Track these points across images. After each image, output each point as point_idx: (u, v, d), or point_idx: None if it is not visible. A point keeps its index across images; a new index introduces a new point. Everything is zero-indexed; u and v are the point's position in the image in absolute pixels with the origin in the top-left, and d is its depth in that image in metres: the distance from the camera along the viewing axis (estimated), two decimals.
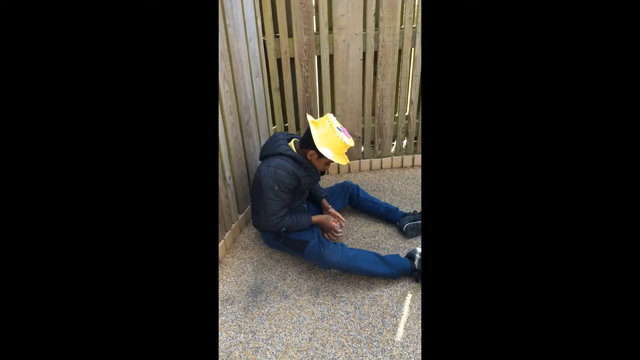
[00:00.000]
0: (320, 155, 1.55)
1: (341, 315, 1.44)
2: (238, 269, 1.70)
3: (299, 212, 1.65)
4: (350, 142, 1.54)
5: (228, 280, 1.63)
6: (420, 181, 2.36)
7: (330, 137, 1.51)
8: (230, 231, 1.81)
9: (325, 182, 2.37)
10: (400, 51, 2.25)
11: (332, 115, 1.57)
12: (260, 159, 1.65)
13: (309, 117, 1.59)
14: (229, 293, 1.56)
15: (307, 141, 1.57)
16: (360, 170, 2.53)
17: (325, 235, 1.73)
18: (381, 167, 2.55)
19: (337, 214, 1.81)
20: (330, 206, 1.85)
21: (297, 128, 2.37)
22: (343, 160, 1.58)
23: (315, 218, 1.68)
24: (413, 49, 2.25)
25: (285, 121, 2.36)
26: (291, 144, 1.64)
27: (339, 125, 1.56)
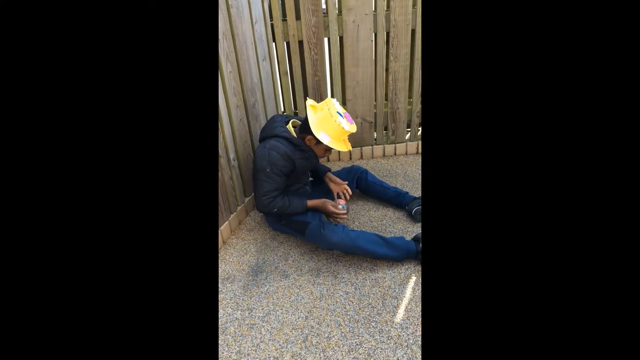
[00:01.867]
0: (319, 142, 1.51)
1: (340, 295, 1.40)
2: (241, 249, 1.70)
3: (294, 195, 1.62)
4: (351, 128, 1.50)
5: (230, 260, 1.63)
6: None
7: (328, 122, 1.47)
8: (235, 213, 1.82)
9: (334, 167, 2.33)
10: (413, 31, 2.17)
11: (334, 99, 1.52)
12: (259, 141, 1.64)
13: (309, 101, 1.56)
14: (230, 272, 1.56)
15: (305, 126, 1.54)
16: (373, 157, 2.47)
17: (329, 219, 1.69)
18: (395, 154, 2.47)
19: (341, 182, 1.75)
20: (335, 177, 1.80)
21: None
22: (343, 147, 1.53)
23: (311, 202, 1.63)
24: None
25: (295, 106, 2.34)
26: (289, 126, 1.61)
27: (340, 109, 1.51)
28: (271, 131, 1.56)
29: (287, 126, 1.61)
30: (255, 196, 1.58)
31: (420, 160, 2.36)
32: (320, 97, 2.27)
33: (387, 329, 1.24)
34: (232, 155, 1.73)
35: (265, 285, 1.48)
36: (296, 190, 1.70)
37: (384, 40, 2.15)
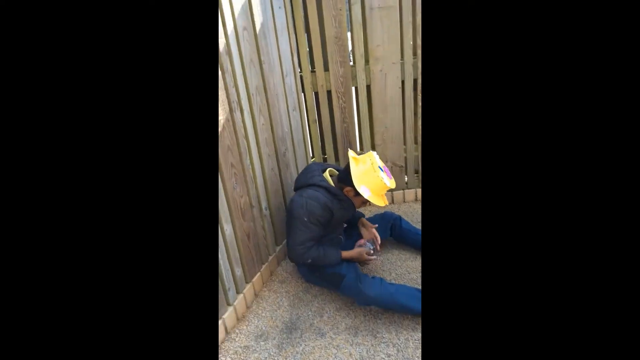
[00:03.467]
0: (357, 193, 1.49)
1: (382, 358, 1.29)
2: (274, 303, 1.63)
3: (329, 246, 1.57)
4: (392, 184, 1.48)
5: (263, 314, 1.57)
6: None
7: (370, 176, 1.46)
8: (267, 263, 1.78)
9: (366, 213, 2.28)
10: None
11: (375, 153, 1.53)
12: (295, 190, 1.63)
13: (351, 153, 1.56)
14: (264, 329, 1.49)
15: (345, 177, 1.52)
16: (404, 201, 2.41)
17: (362, 267, 1.62)
18: None
19: (375, 232, 1.69)
20: (367, 222, 1.74)
21: (337, 159, 2.34)
22: (381, 202, 1.51)
23: (346, 254, 1.57)
24: None
25: (324, 152, 2.35)
26: (326, 174, 1.60)
27: (382, 164, 1.51)
28: (309, 180, 1.55)
29: (325, 175, 1.60)
30: (289, 245, 1.53)
31: None
32: (349, 144, 2.28)
33: None
34: (264, 205, 1.72)
35: (301, 345, 1.39)
36: (330, 240, 1.65)
37: (411, 86, 2.17)
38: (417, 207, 2.30)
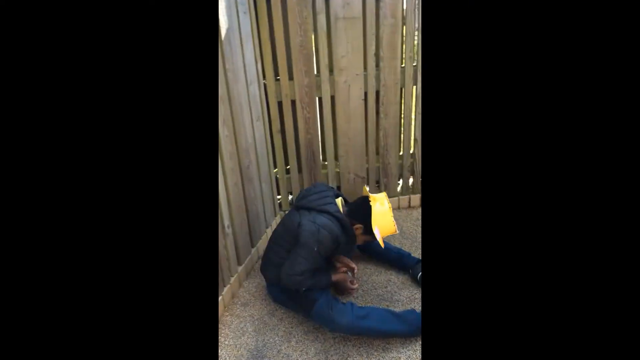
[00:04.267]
0: (366, 232, 1.46)
1: None
2: (237, 329, 1.53)
3: (319, 272, 1.51)
4: (397, 229, 1.48)
5: (227, 342, 1.46)
6: None
7: (386, 219, 1.44)
8: (229, 286, 1.66)
9: None
10: (402, 89, 2.22)
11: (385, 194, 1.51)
12: (298, 207, 1.52)
13: (366, 190, 1.53)
14: (227, 359, 1.39)
15: (359, 213, 1.48)
16: None
17: (337, 294, 1.58)
18: None
19: (350, 262, 1.66)
20: (342, 256, 1.71)
21: (299, 171, 2.28)
22: (382, 243, 1.51)
23: (334, 277, 1.54)
24: (415, 86, 2.22)
25: (286, 163, 2.28)
26: (338, 201, 1.53)
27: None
28: (322, 205, 1.46)
29: (337, 202, 1.52)
30: (287, 272, 1.41)
31: (413, 214, 2.33)
32: (312, 155, 2.23)
33: None
34: (226, 222, 1.61)
35: None
36: None
37: (374, 98, 2.18)
38: None
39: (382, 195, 1.51)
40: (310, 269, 1.41)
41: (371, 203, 1.46)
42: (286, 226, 1.50)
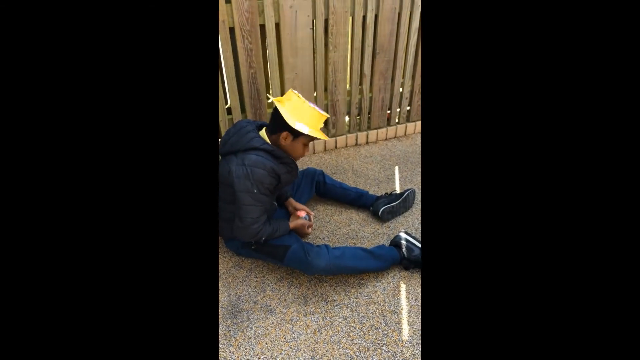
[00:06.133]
0: (296, 135, 1.30)
1: (339, 322, 1.29)
2: None
3: (276, 219, 1.42)
4: (326, 114, 1.32)
5: None
6: (379, 160, 2.27)
7: (302, 109, 1.27)
8: None
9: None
10: (352, 18, 2.06)
11: (295, 90, 1.32)
12: (224, 154, 1.35)
13: (272, 98, 1.33)
14: None
15: (276, 122, 1.30)
16: (314, 152, 2.35)
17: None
18: (336, 147, 2.40)
19: (306, 208, 1.61)
20: (297, 203, 1.64)
21: (243, 110, 2.06)
22: (323, 136, 1.33)
23: (292, 224, 1.47)
24: (365, 15, 2.07)
25: (226, 102, 2.03)
26: (262, 133, 1.36)
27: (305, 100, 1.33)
28: (246, 143, 1.28)
29: (261, 134, 1.35)
30: (240, 226, 1.30)
31: (361, 152, 2.34)
32: (257, 92, 2.01)
33: (399, 350, 1.20)
34: None
35: (251, 328, 1.27)
36: (267, 210, 1.49)
37: (322, 28, 1.99)
38: (328, 158, 2.29)
39: (287, 93, 1.33)
40: (261, 213, 1.32)
41: (278, 105, 1.29)
42: (222, 178, 1.34)
